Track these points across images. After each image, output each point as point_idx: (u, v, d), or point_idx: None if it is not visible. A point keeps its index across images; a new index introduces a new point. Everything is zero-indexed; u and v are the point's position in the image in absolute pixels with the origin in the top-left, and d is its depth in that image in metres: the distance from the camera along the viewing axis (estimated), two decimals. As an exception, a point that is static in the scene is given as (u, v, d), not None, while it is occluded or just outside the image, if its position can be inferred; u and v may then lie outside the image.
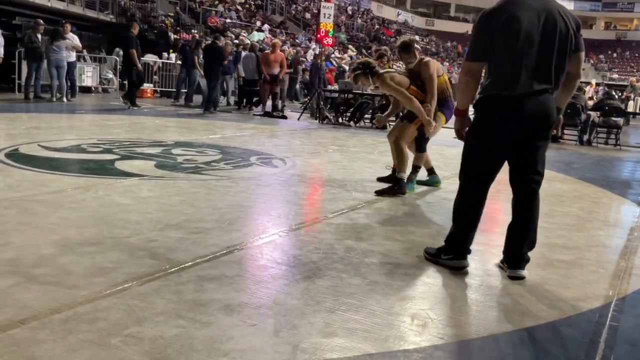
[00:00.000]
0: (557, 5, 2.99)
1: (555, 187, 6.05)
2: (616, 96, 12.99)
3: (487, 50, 3.00)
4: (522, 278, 3.14)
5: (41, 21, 12.83)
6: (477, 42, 3.04)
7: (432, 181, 5.84)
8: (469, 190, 3.19)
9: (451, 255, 3.23)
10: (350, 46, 31.88)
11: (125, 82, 13.96)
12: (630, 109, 14.31)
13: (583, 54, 3.13)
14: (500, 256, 3.31)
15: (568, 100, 3.26)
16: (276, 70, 13.18)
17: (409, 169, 5.43)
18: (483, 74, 3.19)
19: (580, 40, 3.05)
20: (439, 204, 4.97)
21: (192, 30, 20.85)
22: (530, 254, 3.22)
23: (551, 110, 3.03)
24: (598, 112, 11.59)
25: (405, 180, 5.29)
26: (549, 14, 2.94)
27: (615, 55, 51.99)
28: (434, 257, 3.32)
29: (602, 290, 3.10)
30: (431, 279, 3.11)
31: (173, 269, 2.91)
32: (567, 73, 3.08)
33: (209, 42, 14.13)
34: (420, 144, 5.56)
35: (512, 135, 3.03)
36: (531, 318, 2.67)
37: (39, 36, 12.49)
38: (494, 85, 3.03)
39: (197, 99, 14.30)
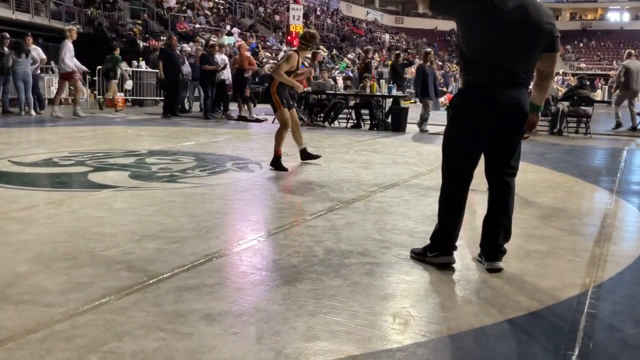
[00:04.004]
0: (532, 3, 3.00)
1: (528, 178, 6.13)
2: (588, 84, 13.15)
3: (449, 8, 3.12)
4: (500, 270, 3.18)
5: (7, 34, 12.60)
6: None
7: None
8: (451, 186, 3.22)
9: (437, 252, 3.25)
10: (321, 47, 31.90)
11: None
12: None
13: (558, 54, 3.17)
14: (478, 249, 3.35)
15: (544, 98, 3.30)
16: (248, 73, 13.23)
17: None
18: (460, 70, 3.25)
19: (556, 41, 3.06)
20: (416, 201, 5.00)
21: (161, 37, 20.67)
22: (507, 245, 3.26)
23: (524, 104, 3.07)
24: (567, 102, 11.77)
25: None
26: (521, 11, 2.94)
27: (582, 45, 52.93)
28: (420, 255, 3.34)
29: (579, 279, 3.15)
30: (411, 277, 3.12)
31: (151, 281, 2.87)
32: (538, 70, 3.12)
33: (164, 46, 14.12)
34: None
35: (484, 128, 3.05)
36: (511, 310, 2.70)
37: (6, 49, 12.27)
38: (464, 80, 3.09)
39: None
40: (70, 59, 12.08)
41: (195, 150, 7.78)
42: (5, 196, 4.68)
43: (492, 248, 3.21)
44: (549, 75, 3.21)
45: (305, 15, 35.02)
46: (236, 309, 2.59)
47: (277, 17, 34.17)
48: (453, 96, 3.21)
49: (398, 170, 6.63)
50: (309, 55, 12.92)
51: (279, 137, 6.53)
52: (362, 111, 12.43)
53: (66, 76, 12.30)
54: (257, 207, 4.72)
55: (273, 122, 12.62)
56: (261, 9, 34.46)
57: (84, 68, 13.32)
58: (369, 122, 12.26)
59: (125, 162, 6.57)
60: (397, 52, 19.24)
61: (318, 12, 40.25)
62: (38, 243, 3.45)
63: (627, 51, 14.12)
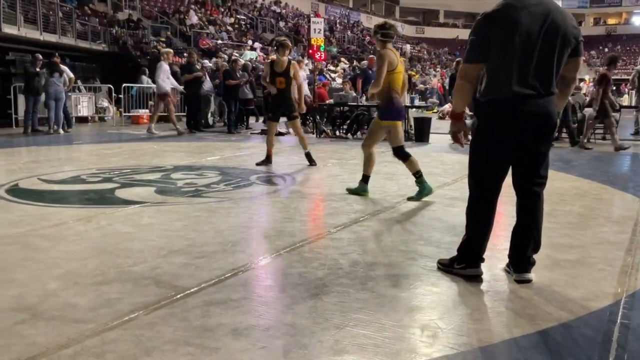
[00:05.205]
0: (558, 9, 2.98)
1: (555, 186, 6.04)
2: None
3: (484, 53, 3.00)
4: (529, 281, 3.13)
5: (40, 56, 12.94)
6: (475, 45, 3.02)
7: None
8: (479, 198, 3.18)
9: (464, 264, 3.21)
10: (342, 59, 32.04)
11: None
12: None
13: (581, 59, 3.14)
14: (506, 260, 3.30)
15: (564, 104, 3.26)
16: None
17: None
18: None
19: (580, 46, 3.04)
20: (441, 212, 4.96)
21: (184, 54, 20.95)
22: (535, 255, 3.20)
23: (552, 113, 3.02)
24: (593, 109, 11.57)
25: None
26: (550, 18, 2.92)
27: (606, 50, 52.18)
28: (447, 267, 3.30)
29: (611, 288, 3.08)
30: (438, 288, 3.09)
31: (179, 296, 2.90)
32: (562, 77, 3.07)
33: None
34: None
35: (514, 138, 3.02)
36: (541, 321, 2.65)
37: (38, 70, 12.59)
38: (489, 89, 3.03)
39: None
40: (164, 80, 12.41)
41: (220, 164, 7.85)
42: (35, 214, 4.77)
43: (521, 259, 3.16)
44: (572, 80, 3.17)
45: (331, 29, 35.27)
46: (263, 323, 2.59)
47: (298, 31, 34.42)
48: (478, 106, 3.17)
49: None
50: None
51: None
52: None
53: (162, 96, 12.63)
54: (281, 220, 4.73)
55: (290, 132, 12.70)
56: (282, 24, 34.76)
57: (180, 87, 13.66)
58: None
59: (151, 177, 6.65)
60: (458, 59, 19.03)
61: (339, 25, 40.44)
62: (67, 260, 3.51)
63: None
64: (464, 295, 2.99)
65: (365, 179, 5.67)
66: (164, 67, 12.42)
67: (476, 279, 3.19)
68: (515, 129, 2.99)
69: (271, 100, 8.00)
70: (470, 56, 3.05)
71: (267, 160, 7.78)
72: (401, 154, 5.52)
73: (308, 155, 7.75)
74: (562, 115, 10.76)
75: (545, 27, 2.92)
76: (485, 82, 3.06)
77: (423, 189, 5.46)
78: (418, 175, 5.49)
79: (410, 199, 5.44)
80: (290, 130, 13.73)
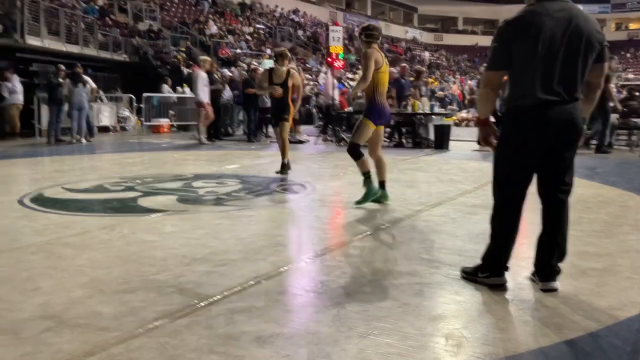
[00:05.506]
0: (581, 14, 2.95)
1: (579, 193, 5.94)
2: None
3: (507, 60, 2.98)
4: (555, 290, 3.08)
5: (62, 66, 13.16)
6: (497, 52, 3.01)
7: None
8: (503, 206, 3.14)
9: (488, 272, 3.18)
10: (360, 67, 32.03)
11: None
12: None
13: (607, 64, 3.09)
14: (530, 268, 3.26)
15: (590, 111, 3.21)
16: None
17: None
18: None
19: (605, 51, 3.00)
20: (463, 219, 4.92)
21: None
22: (561, 264, 3.16)
23: (577, 118, 2.98)
24: (617, 114, 11.44)
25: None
26: (574, 23, 2.89)
27: (629, 55, 51.53)
28: (471, 275, 3.27)
29: (639, 297, 3.03)
30: (462, 297, 3.06)
31: (202, 304, 2.91)
32: (587, 83, 3.03)
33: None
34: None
35: (539, 145, 2.99)
36: (568, 330, 2.61)
37: (61, 80, 12.80)
38: (513, 96, 3.01)
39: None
40: (202, 89, 12.28)
41: (240, 173, 7.89)
42: (60, 222, 4.83)
43: (546, 268, 3.12)
44: (597, 86, 3.13)
45: (350, 37, 35.35)
46: (286, 331, 2.59)
47: (317, 39, 34.57)
48: (503, 113, 3.14)
49: (443, 188, 6.55)
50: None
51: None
52: (405, 129, 12.38)
53: (198, 105, 12.56)
54: (302, 229, 4.73)
55: (315, 143, 12.71)
56: (300, 32, 34.93)
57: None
58: (411, 141, 12.20)
59: (173, 186, 6.70)
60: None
61: (356, 33, 40.48)
62: (92, 268, 3.54)
63: None
64: (488, 304, 2.96)
65: (381, 184, 5.66)
66: (202, 75, 12.33)
67: (500, 287, 3.15)
68: (540, 136, 2.96)
69: (271, 106, 8.14)
70: (492, 63, 3.04)
71: (286, 167, 7.76)
72: (354, 151, 5.50)
73: (283, 166, 7.55)
74: (591, 121, 10.62)
75: (568, 32, 2.89)
76: (509, 89, 3.04)
77: (369, 192, 5.46)
78: (367, 175, 5.50)
79: (357, 203, 5.44)
80: (309, 137, 13.83)
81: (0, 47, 15.33)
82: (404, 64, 15.09)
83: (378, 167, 5.67)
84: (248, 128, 13.78)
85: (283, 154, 7.56)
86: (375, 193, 5.49)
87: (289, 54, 8.15)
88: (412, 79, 13.71)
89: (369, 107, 5.44)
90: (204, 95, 12.37)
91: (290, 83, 7.53)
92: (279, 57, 7.65)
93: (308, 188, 6.62)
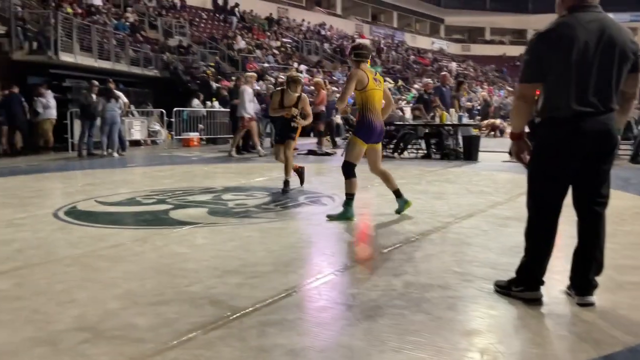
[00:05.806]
0: (614, 24, 2.92)
1: (613, 205, 5.76)
2: None
3: (540, 73, 2.96)
4: (592, 304, 3.02)
5: (96, 82, 13.46)
6: (530, 65, 2.98)
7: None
8: (538, 219, 3.09)
9: (523, 287, 3.13)
10: (387, 78, 32.06)
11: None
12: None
13: None
14: (565, 281, 3.20)
15: (625, 121, 3.16)
16: (319, 108, 13.48)
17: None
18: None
19: (639, 60, 2.96)
20: (495, 232, 4.86)
21: (232, 78, 21.40)
22: (598, 277, 3.09)
23: (613, 129, 2.94)
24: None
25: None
26: (607, 34, 2.86)
27: (661, 63, 50.51)
28: (505, 289, 3.22)
29: (680, 312, 2.95)
30: (496, 311, 3.02)
31: (235, 316, 2.92)
32: (622, 93, 2.99)
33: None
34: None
35: (574, 157, 2.95)
36: (607, 345, 2.55)
37: (94, 96, 13.09)
38: (547, 108, 2.98)
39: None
40: (249, 105, 12.45)
41: (269, 185, 7.93)
42: (94, 235, 4.92)
43: (583, 282, 3.06)
44: (633, 96, 3.08)
45: (378, 51, 35.42)
46: (318, 344, 2.58)
47: (342, 52, 34.72)
48: (537, 125, 3.10)
49: (473, 200, 6.49)
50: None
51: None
52: (433, 141, 12.31)
53: (242, 120, 12.57)
54: (332, 241, 4.73)
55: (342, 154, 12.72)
56: (327, 45, 35.12)
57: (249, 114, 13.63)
58: (439, 152, 12.12)
59: (203, 199, 6.77)
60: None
61: (382, 46, 40.53)
62: (126, 280, 3.59)
63: None
64: (523, 319, 2.91)
65: (396, 193, 5.68)
66: (248, 90, 12.54)
67: (536, 302, 3.10)
68: (576, 148, 2.92)
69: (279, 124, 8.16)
70: (525, 76, 3.02)
71: (300, 178, 7.77)
72: (345, 170, 5.48)
73: (286, 183, 7.39)
74: (626, 131, 10.44)
75: (602, 43, 2.86)
76: (543, 102, 3.01)
77: (346, 212, 5.41)
78: (350, 197, 5.46)
79: (329, 217, 5.45)
80: (333, 149, 13.85)
81: (34, 64, 15.75)
82: (444, 73, 15.07)
83: (385, 180, 5.71)
84: (275, 141, 13.83)
85: (287, 171, 7.45)
86: (348, 217, 5.40)
87: (302, 81, 8.13)
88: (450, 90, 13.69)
89: (358, 124, 5.49)
90: (250, 109, 12.56)
91: (299, 107, 7.40)
92: (291, 83, 7.40)
93: (337, 200, 6.62)
